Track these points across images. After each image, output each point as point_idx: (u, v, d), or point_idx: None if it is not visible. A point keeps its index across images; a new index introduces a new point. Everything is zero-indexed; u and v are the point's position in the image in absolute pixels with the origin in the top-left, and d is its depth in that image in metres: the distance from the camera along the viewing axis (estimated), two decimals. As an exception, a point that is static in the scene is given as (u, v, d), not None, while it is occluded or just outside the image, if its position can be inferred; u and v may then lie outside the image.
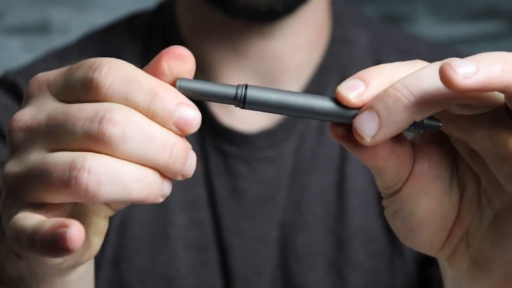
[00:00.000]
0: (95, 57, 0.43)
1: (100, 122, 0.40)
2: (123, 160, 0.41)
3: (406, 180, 0.45)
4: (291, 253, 0.80)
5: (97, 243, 0.49)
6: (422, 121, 0.43)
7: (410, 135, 0.46)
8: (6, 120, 0.79)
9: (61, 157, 0.41)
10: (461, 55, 0.90)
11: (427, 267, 0.80)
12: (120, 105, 0.41)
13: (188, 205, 0.80)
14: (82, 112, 0.41)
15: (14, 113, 0.44)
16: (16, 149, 0.43)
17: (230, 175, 0.80)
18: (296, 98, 0.44)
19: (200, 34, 0.82)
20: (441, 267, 0.51)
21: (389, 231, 0.79)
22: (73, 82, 0.42)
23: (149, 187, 0.42)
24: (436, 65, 0.42)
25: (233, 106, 0.44)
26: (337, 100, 0.43)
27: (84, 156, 0.41)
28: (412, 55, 0.84)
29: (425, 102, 0.41)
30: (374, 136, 0.42)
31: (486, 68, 0.40)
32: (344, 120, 0.43)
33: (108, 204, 0.49)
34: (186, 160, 0.42)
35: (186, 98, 0.43)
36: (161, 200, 0.43)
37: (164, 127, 0.42)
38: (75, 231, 0.39)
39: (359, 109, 0.43)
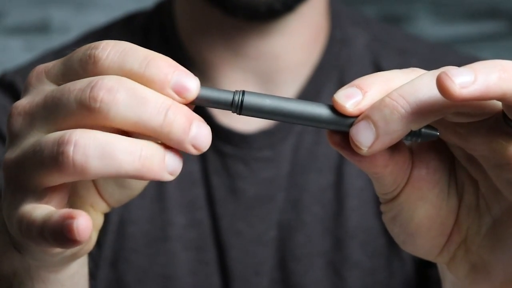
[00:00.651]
0: None
1: (91, 90, 0.40)
2: (113, 134, 0.41)
3: (404, 186, 0.45)
4: (289, 252, 0.80)
5: (94, 236, 0.49)
6: (420, 130, 0.43)
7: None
8: (5, 122, 0.79)
9: (52, 135, 0.41)
10: (460, 55, 0.91)
11: (425, 267, 0.80)
12: (112, 75, 0.41)
13: (187, 205, 0.80)
14: (76, 85, 0.41)
15: None
16: (14, 136, 0.43)
17: (228, 175, 0.80)
18: (293, 105, 0.43)
19: (198, 33, 0.82)
20: (440, 271, 0.51)
21: (387, 231, 0.79)
22: (71, 64, 0.43)
23: (144, 160, 0.40)
24: (433, 73, 0.42)
25: None
26: (333, 108, 0.43)
27: (71, 131, 0.41)
28: (410, 55, 0.84)
29: (422, 111, 0.41)
30: (371, 146, 0.41)
31: (483, 77, 0.40)
32: (340, 128, 0.43)
33: (105, 198, 0.49)
34: (188, 126, 0.41)
35: (182, 67, 0.42)
36: (168, 177, 0.41)
37: (162, 93, 0.41)
38: (82, 222, 0.39)
39: (356, 117, 0.42)
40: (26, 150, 0.42)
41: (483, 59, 0.92)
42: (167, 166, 0.41)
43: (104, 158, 0.40)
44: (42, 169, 0.41)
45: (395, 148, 0.44)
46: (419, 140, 0.43)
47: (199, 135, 0.41)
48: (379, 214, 0.80)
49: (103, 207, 0.49)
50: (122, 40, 0.88)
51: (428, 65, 0.84)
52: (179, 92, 0.42)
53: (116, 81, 0.41)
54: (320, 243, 0.80)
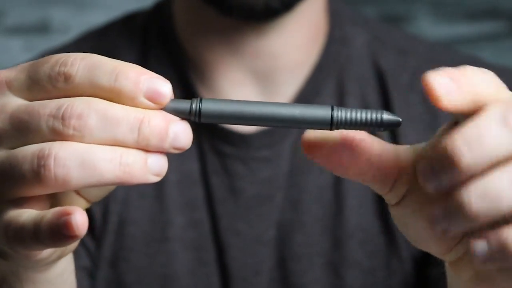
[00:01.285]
0: None
1: (63, 117, 0.41)
2: (92, 144, 0.41)
3: (404, 196, 0.45)
4: (289, 252, 0.80)
5: None
6: (382, 119, 0.43)
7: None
8: None
9: (29, 149, 0.41)
10: (460, 54, 0.90)
11: (425, 266, 0.80)
12: (82, 97, 0.41)
13: (186, 205, 0.80)
14: (45, 109, 0.41)
15: None
16: None
17: (227, 175, 0.80)
18: (253, 108, 0.43)
19: (196, 33, 0.82)
20: (447, 269, 0.51)
21: (386, 231, 0.79)
22: (39, 80, 0.43)
23: (125, 167, 0.41)
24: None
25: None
26: (295, 106, 0.43)
27: (50, 144, 0.41)
28: (409, 54, 0.84)
29: None
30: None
31: None
32: (306, 126, 0.44)
33: (82, 195, 0.49)
34: (165, 133, 0.41)
35: (152, 72, 0.42)
36: (153, 178, 0.42)
37: (135, 103, 0.41)
38: (79, 216, 0.40)
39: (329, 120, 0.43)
40: (1, 166, 0.42)
41: (483, 59, 0.92)
42: (151, 168, 0.42)
43: (84, 169, 0.41)
44: (22, 182, 0.42)
45: (377, 155, 0.44)
46: (382, 130, 0.43)
47: (178, 137, 0.42)
48: (378, 213, 0.80)
49: (82, 204, 0.49)
50: (121, 42, 0.88)
51: (427, 65, 0.84)
52: (152, 98, 0.42)
53: (86, 104, 0.41)
54: (319, 243, 0.80)
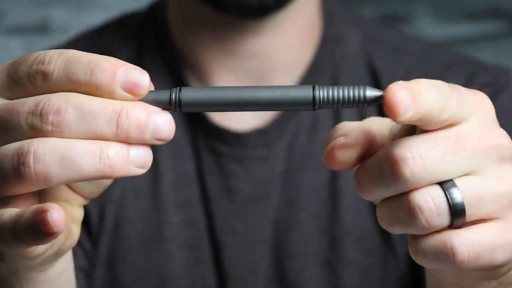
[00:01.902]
0: None
1: (41, 114, 0.41)
2: (71, 139, 0.41)
3: None
4: (285, 251, 0.80)
5: (76, 230, 0.49)
6: (364, 95, 0.43)
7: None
8: None
9: (10, 147, 0.42)
10: (453, 54, 0.90)
11: (420, 264, 0.80)
12: (59, 93, 0.41)
13: (182, 205, 0.80)
14: (23, 107, 0.41)
15: None
16: None
17: (222, 174, 0.80)
18: (233, 93, 0.43)
19: (191, 33, 0.82)
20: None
21: (381, 229, 0.79)
22: (18, 79, 0.43)
23: (105, 160, 0.41)
24: None
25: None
26: (276, 88, 0.43)
27: (29, 141, 0.41)
28: (403, 53, 0.84)
29: None
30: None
31: None
32: (289, 108, 0.43)
33: (78, 192, 0.49)
34: (145, 124, 0.41)
35: (128, 63, 0.42)
36: (136, 171, 0.42)
37: (113, 96, 0.41)
38: (55, 213, 0.40)
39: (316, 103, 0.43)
40: None
41: (478, 58, 0.92)
42: (133, 160, 0.42)
43: (64, 164, 0.41)
44: (5, 181, 0.42)
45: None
46: (366, 106, 0.43)
47: (159, 128, 0.42)
48: (374, 212, 0.80)
49: (78, 201, 0.49)
50: (116, 43, 0.88)
51: (421, 64, 0.84)
52: (130, 89, 0.42)
53: (63, 99, 0.41)
54: (316, 242, 0.80)
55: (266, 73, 0.81)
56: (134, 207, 0.80)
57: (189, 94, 0.43)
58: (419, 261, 0.45)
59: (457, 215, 0.43)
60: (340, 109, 0.80)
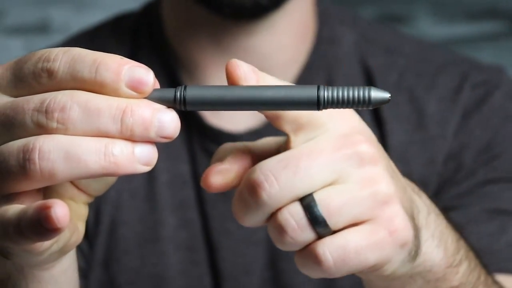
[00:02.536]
0: None
1: (46, 111, 0.41)
2: (76, 136, 0.41)
3: None
4: (280, 252, 0.80)
5: (81, 227, 0.49)
6: (369, 96, 0.43)
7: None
8: None
9: (15, 144, 0.42)
10: (448, 53, 0.90)
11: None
12: (65, 91, 0.42)
13: (177, 206, 0.80)
14: (29, 104, 0.42)
15: None
16: None
17: (217, 175, 0.80)
18: (240, 92, 0.43)
19: (185, 33, 0.82)
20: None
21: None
22: (23, 77, 0.43)
23: (110, 157, 0.41)
24: None
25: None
26: (281, 88, 0.43)
27: (35, 138, 0.41)
28: (397, 53, 0.84)
29: None
30: None
31: None
32: (293, 108, 0.43)
33: (83, 189, 0.49)
34: (149, 122, 0.41)
35: (133, 61, 0.42)
36: (142, 168, 0.42)
37: (117, 94, 0.42)
38: (59, 209, 0.40)
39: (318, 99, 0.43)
40: None
41: (473, 58, 0.92)
42: (139, 158, 0.42)
43: (69, 161, 0.41)
44: (10, 178, 0.42)
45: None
46: (370, 107, 0.43)
47: (164, 126, 0.42)
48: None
49: (83, 198, 0.49)
50: (111, 43, 0.88)
51: (416, 64, 0.84)
52: (134, 87, 0.42)
53: (69, 97, 0.41)
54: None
55: (260, 73, 0.81)
56: (130, 208, 0.80)
57: (194, 92, 0.43)
58: (303, 272, 0.47)
59: (319, 226, 0.44)
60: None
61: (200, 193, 0.80)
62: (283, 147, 0.49)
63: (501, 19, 1.89)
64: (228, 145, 0.50)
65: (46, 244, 0.45)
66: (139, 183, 0.80)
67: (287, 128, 0.46)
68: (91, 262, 0.80)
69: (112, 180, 0.50)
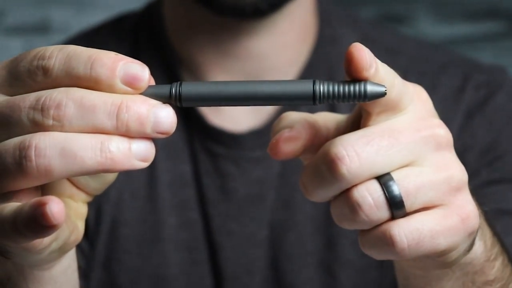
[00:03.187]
0: None
1: (42, 108, 0.41)
2: (72, 133, 0.41)
3: None
4: (281, 252, 0.80)
5: (80, 226, 0.49)
6: (365, 90, 0.43)
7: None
8: None
9: (12, 142, 0.42)
10: (450, 53, 0.90)
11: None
12: (60, 88, 0.42)
13: (178, 206, 0.80)
14: (25, 102, 0.42)
15: None
16: None
17: (219, 175, 0.80)
18: (234, 87, 0.43)
19: (186, 34, 0.82)
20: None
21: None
22: (19, 75, 0.43)
23: (107, 153, 0.41)
24: None
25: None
26: (276, 83, 0.43)
27: (31, 135, 0.41)
28: (399, 53, 0.84)
29: None
30: None
31: None
32: (289, 103, 0.43)
33: (82, 188, 0.49)
34: (145, 117, 0.42)
35: (128, 57, 0.42)
36: (139, 164, 0.42)
37: (113, 90, 0.42)
38: (54, 205, 0.40)
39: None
40: None
41: (474, 58, 0.92)
42: (135, 154, 0.42)
43: (65, 158, 0.41)
44: (7, 175, 0.42)
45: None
46: (366, 101, 0.43)
47: (160, 121, 0.42)
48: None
49: (82, 197, 0.49)
50: (111, 43, 0.88)
51: (417, 64, 0.84)
52: (130, 83, 0.42)
53: (64, 94, 0.41)
54: (312, 242, 0.80)
55: (261, 74, 0.81)
56: (131, 208, 0.80)
57: (189, 88, 0.43)
58: (368, 253, 0.47)
59: (396, 207, 0.44)
60: (336, 109, 0.80)
61: (201, 193, 0.80)
62: (343, 125, 0.49)
63: (501, 19, 1.89)
64: (294, 114, 0.50)
65: (45, 242, 0.45)
66: (140, 183, 0.80)
67: (372, 108, 0.46)
68: (91, 262, 0.80)
69: (111, 178, 0.50)
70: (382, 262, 0.80)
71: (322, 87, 0.43)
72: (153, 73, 0.82)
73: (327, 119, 0.50)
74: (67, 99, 0.41)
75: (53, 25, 1.78)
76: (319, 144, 0.47)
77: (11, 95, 0.43)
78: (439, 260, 0.48)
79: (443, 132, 0.46)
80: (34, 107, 0.41)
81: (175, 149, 0.80)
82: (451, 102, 0.82)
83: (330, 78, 0.82)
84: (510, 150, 0.81)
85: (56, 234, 0.45)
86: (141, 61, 0.88)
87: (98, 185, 0.50)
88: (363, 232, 0.46)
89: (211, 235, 0.80)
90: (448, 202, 0.45)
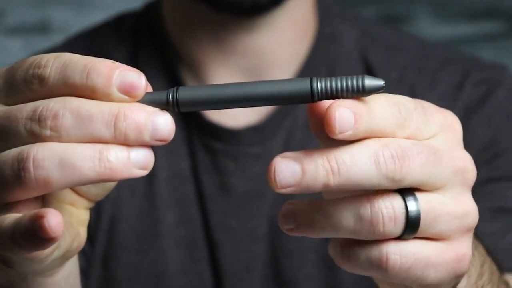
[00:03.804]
0: None
1: (39, 119, 0.41)
2: (70, 143, 0.41)
3: None
4: (281, 248, 0.80)
5: (83, 232, 0.49)
6: (363, 84, 0.42)
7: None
8: None
9: (10, 153, 0.42)
10: (450, 51, 0.90)
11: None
12: (57, 98, 0.41)
13: (177, 202, 0.80)
14: (22, 113, 0.41)
15: None
16: None
17: (218, 171, 0.80)
18: (231, 90, 0.43)
19: (186, 31, 0.82)
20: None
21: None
22: (15, 84, 0.43)
23: (106, 163, 0.41)
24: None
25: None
26: (273, 83, 0.42)
27: (29, 147, 0.41)
28: (399, 51, 0.84)
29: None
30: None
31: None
32: (288, 102, 0.43)
33: (83, 195, 0.49)
34: (143, 125, 0.41)
35: (124, 65, 0.42)
36: (138, 172, 0.42)
37: (110, 99, 0.41)
38: (52, 218, 0.39)
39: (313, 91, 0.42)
40: None
41: (475, 55, 0.92)
42: (134, 162, 0.41)
43: (63, 168, 0.40)
44: (6, 187, 0.42)
45: None
46: (365, 95, 0.42)
47: (158, 129, 0.41)
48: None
49: (84, 204, 0.49)
50: (111, 43, 0.88)
51: (417, 61, 0.84)
52: (126, 91, 0.41)
53: (61, 104, 0.41)
54: (312, 239, 0.80)
55: (261, 70, 0.81)
56: (130, 205, 0.80)
57: (186, 93, 0.42)
58: (348, 266, 0.45)
59: (411, 228, 0.43)
60: None
61: (200, 189, 0.80)
62: None
63: (501, 19, 1.89)
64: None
65: (46, 251, 0.44)
66: (138, 179, 0.80)
67: None
68: (91, 259, 0.80)
69: (112, 184, 0.50)
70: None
71: (319, 84, 0.42)
72: (153, 71, 0.83)
73: None
74: (64, 109, 0.41)
75: (53, 25, 1.78)
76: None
77: (9, 104, 0.43)
78: None
79: (472, 168, 0.45)
80: (31, 118, 0.41)
81: (173, 145, 0.80)
82: (450, 99, 0.82)
83: (329, 74, 0.82)
84: (510, 148, 0.80)
85: (58, 242, 0.45)
86: (142, 60, 0.88)
87: (99, 191, 0.50)
88: (352, 243, 0.44)
89: (210, 231, 0.80)
90: (452, 238, 0.44)
